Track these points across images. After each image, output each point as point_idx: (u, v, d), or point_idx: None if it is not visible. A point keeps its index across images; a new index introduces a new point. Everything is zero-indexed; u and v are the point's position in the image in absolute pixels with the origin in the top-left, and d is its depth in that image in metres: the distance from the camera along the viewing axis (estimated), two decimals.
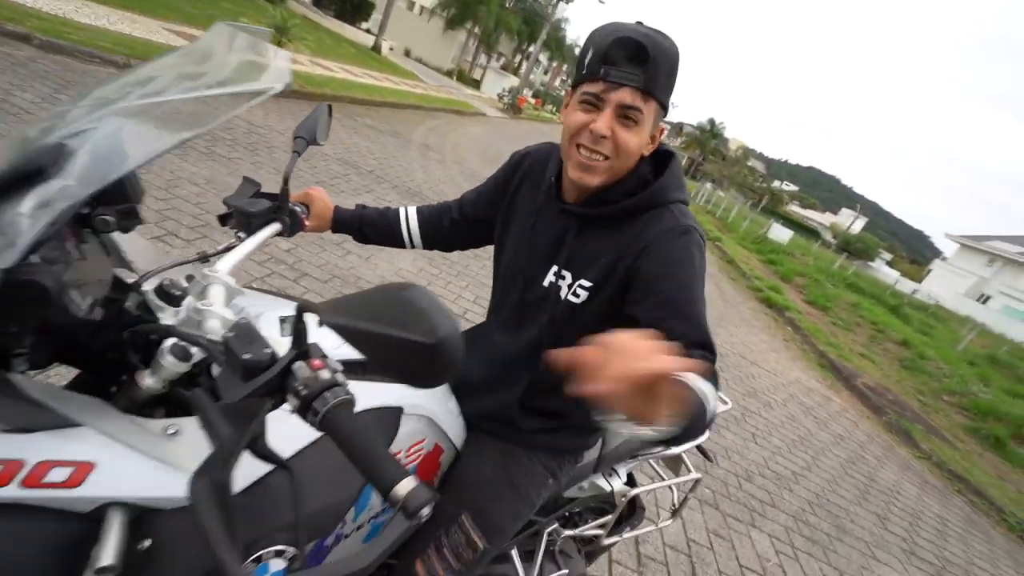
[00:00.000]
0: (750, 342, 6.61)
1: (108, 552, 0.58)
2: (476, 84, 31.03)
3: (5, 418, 0.59)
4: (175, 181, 3.49)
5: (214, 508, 0.48)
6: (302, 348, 0.59)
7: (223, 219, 0.99)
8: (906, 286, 21.36)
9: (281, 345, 0.61)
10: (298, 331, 0.59)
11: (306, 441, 0.77)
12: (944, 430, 6.79)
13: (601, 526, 1.49)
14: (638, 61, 0.83)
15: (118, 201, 0.71)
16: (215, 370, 0.78)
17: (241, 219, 0.96)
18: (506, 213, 1.14)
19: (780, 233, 20.16)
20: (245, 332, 0.59)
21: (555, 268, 1.01)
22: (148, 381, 0.68)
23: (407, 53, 27.64)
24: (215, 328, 0.66)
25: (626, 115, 0.87)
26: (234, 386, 0.58)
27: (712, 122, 65.37)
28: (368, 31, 22.42)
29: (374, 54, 17.51)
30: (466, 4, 25.80)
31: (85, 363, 0.75)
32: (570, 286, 0.99)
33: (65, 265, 0.63)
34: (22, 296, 0.56)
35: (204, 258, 0.89)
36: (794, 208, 62.84)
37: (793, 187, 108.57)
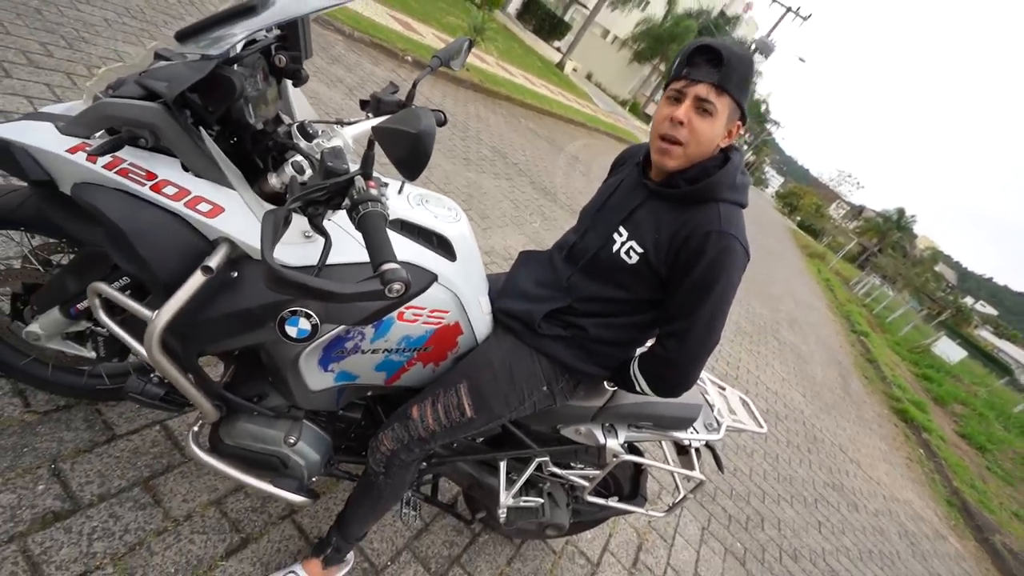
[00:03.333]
0: (860, 442, 5.85)
1: (213, 262, 0.90)
2: (647, 119, 31.02)
3: (191, 165, 0.93)
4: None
5: (270, 228, 0.75)
6: (367, 170, 0.83)
7: (363, 104, 1.28)
8: None
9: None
10: (367, 157, 0.84)
11: (356, 260, 1.02)
12: None
13: (588, 478, 1.55)
14: (715, 63, 1.02)
15: (292, 49, 1.05)
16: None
17: (375, 104, 1.24)
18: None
19: (949, 351, 17.13)
20: (336, 151, 0.86)
21: (619, 227, 1.18)
22: (273, 180, 0.99)
23: (589, 76, 28.63)
24: None
25: (702, 107, 1.04)
26: (315, 179, 0.85)
27: (901, 212, 57.73)
28: (558, 49, 23.66)
29: (556, 70, 18.45)
30: (658, 40, 26.02)
31: (240, 155, 1.07)
32: (624, 243, 1.15)
33: (254, 85, 0.95)
34: (222, 85, 0.87)
35: (340, 122, 1.18)
36: (985, 333, 52.47)
37: (991, 310, 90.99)
